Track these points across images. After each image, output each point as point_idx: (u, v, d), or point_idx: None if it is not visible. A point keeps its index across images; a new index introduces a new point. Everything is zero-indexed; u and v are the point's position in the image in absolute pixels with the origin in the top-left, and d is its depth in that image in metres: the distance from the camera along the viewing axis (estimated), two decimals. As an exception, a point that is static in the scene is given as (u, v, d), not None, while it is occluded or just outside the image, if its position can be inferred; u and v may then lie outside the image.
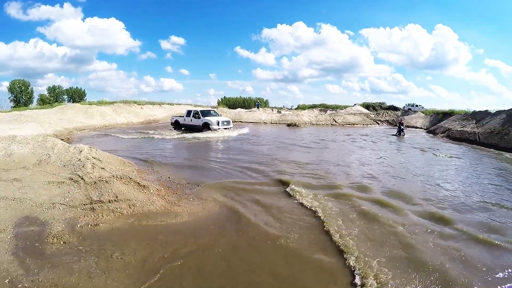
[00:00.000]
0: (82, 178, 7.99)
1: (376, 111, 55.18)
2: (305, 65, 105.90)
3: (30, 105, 56.32)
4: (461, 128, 29.08)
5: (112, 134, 25.05)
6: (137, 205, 7.53)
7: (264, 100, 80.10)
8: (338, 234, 6.76)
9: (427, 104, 54.69)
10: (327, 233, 6.90)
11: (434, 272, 5.38)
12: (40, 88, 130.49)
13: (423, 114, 45.29)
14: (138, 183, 8.44)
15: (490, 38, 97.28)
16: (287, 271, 5.39)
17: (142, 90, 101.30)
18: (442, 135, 30.78)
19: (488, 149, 22.28)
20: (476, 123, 28.79)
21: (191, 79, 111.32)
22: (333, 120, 45.41)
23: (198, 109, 29.89)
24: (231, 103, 75.59)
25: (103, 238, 6.13)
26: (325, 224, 7.30)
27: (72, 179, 8.02)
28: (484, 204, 9.36)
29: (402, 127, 30.21)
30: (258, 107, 59.18)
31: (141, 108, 44.38)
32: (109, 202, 7.37)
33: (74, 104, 40.50)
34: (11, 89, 60.44)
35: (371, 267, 5.44)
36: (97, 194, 7.53)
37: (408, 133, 30.68)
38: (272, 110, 58.70)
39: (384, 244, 6.49)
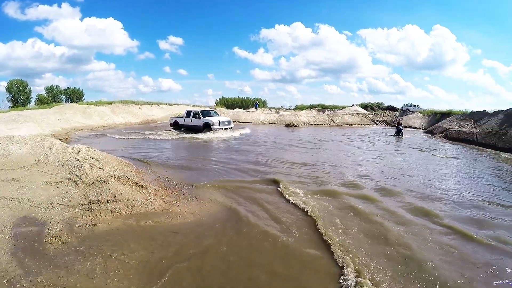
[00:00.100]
0: (80, 178, 7.99)
1: (374, 111, 55.32)
2: (303, 65, 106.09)
3: (28, 105, 56.33)
4: (459, 128, 29.16)
5: (108, 135, 24.92)
6: (135, 205, 7.54)
7: (262, 100, 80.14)
8: (323, 227, 7.14)
9: (425, 105, 54.64)
10: (315, 228, 7.15)
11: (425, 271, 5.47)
12: (38, 88, 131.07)
13: (421, 115, 45.39)
14: (136, 183, 8.45)
15: (487, 38, 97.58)
16: (283, 268, 5.46)
17: (140, 90, 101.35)
18: (440, 135, 30.85)
19: (486, 149, 22.37)
20: (474, 123, 28.87)
21: (189, 79, 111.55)
22: (331, 121, 45.43)
23: (198, 109, 29.72)
24: (229, 103, 75.60)
25: (101, 238, 6.14)
26: (316, 221, 7.47)
27: (70, 179, 8.02)
28: (475, 201, 9.63)
29: (401, 127, 30.11)
30: (256, 108, 59.14)
31: (139, 108, 44.34)
32: (107, 202, 7.38)
33: (72, 104, 40.41)
34: (9, 89, 60.34)
35: (353, 257, 5.85)
36: (95, 194, 7.54)
37: (406, 133, 30.68)
38: (270, 110, 58.64)
39: (365, 235, 6.94)
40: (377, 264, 5.67)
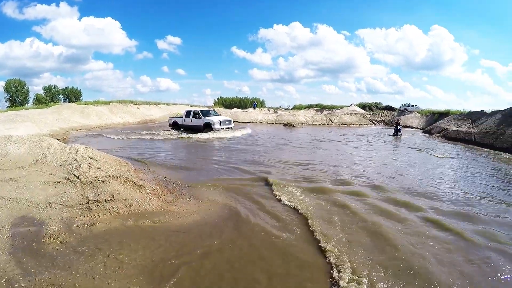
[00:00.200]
0: (78, 178, 7.99)
1: (372, 111, 55.33)
2: (301, 65, 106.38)
3: (26, 105, 56.20)
4: (457, 128, 29.18)
5: (105, 135, 24.79)
6: (133, 204, 7.55)
7: (261, 100, 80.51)
8: (311, 219, 7.58)
9: (423, 105, 54.86)
10: (306, 223, 7.39)
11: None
12: (36, 87, 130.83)
13: (419, 114, 45.40)
14: (135, 182, 8.46)
15: (486, 38, 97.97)
16: (280, 263, 5.48)
17: (139, 90, 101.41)
18: (438, 135, 30.88)
19: (484, 149, 22.38)
20: (471, 123, 28.89)
21: (188, 79, 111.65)
22: (329, 120, 45.45)
23: (198, 109, 29.56)
24: (227, 103, 75.72)
25: (99, 238, 6.15)
26: (307, 219, 7.61)
27: (68, 179, 8.02)
28: (467, 199, 9.85)
29: (399, 127, 30.00)
30: (254, 107, 59.21)
31: (138, 108, 44.33)
32: (106, 201, 7.38)
33: (70, 104, 40.39)
34: (6, 88, 60.43)
35: (339, 248, 6.21)
36: (94, 193, 7.54)
37: (404, 133, 30.58)
38: (269, 110, 58.70)
39: (346, 227, 7.32)
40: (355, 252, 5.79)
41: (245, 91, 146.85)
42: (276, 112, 53.54)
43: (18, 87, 61.58)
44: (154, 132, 27.17)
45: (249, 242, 6.44)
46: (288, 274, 5.35)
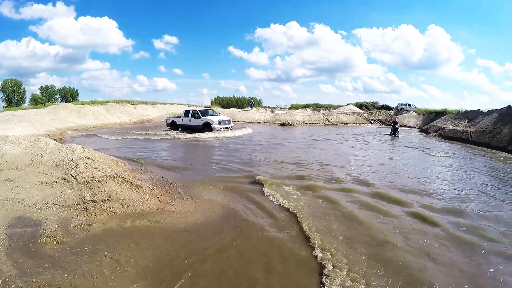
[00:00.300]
0: (75, 178, 7.99)
1: (369, 110, 55.52)
2: (298, 64, 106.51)
3: (22, 105, 56.28)
4: (454, 127, 29.26)
5: (101, 135, 24.58)
6: (130, 204, 7.55)
7: (258, 99, 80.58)
8: (296, 211, 8.06)
9: (420, 104, 55.03)
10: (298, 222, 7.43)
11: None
12: (32, 87, 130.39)
13: (415, 114, 45.51)
14: (131, 182, 8.46)
15: (482, 38, 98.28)
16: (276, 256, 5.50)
17: (135, 90, 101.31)
18: (434, 134, 30.96)
19: (480, 147, 22.48)
20: (468, 122, 28.97)
21: (184, 78, 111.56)
22: (326, 120, 45.50)
23: (197, 108, 29.32)
24: (224, 103, 75.73)
25: (96, 237, 6.15)
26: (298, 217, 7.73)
27: (65, 179, 8.01)
28: (459, 196, 10.03)
29: (397, 126, 29.96)
30: (251, 107, 59.25)
31: (134, 107, 44.24)
32: (102, 201, 7.38)
33: (66, 104, 40.32)
34: (3, 88, 60.26)
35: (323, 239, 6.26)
36: (90, 193, 7.54)
37: (401, 132, 30.57)
38: (266, 109, 58.79)
39: (329, 218, 7.83)
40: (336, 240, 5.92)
41: (242, 91, 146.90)
42: (273, 112, 53.61)
43: (15, 87, 61.42)
44: (151, 132, 27.09)
45: (248, 241, 6.46)
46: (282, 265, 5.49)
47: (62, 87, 71.15)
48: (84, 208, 7.13)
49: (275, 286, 4.98)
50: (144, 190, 8.35)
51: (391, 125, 32.06)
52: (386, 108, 56.03)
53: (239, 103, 78.07)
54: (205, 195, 9.07)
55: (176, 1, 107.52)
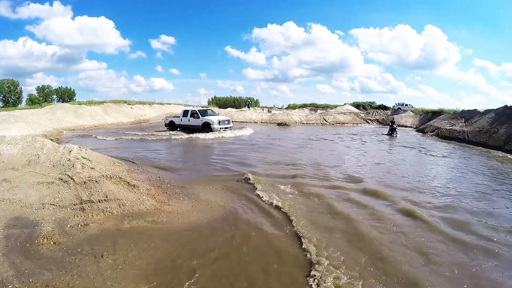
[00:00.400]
0: (71, 178, 7.97)
1: (366, 110, 55.61)
2: (295, 64, 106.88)
3: (19, 105, 55.99)
4: (450, 127, 29.38)
5: (96, 136, 24.31)
6: (127, 204, 7.55)
7: (255, 99, 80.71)
8: (279, 202, 8.61)
9: (417, 104, 55.38)
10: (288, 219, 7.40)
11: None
12: (29, 87, 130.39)
13: (412, 113, 45.67)
14: (128, 182, 8.45)
15: (479, 38, 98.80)
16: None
17: (132, 90, 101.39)
18: (431, 133, 31.09)
19: (477, 147, 22.66)
20: (465, 122, 29.08)
21: (182, 78, 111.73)
22: (323, 120, 45.60)
23: (194, 108, 29.22)
24: (221, 103, 75.82)
25: (93, 238, 6.15)
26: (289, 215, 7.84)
27: (61, 179, 7.99)
28: (451, 193, 10.33)
29: (395, 126, 29.84)
30: (248, 107, 59.26)
31: (131, 108, 44.22)
32: (99, 202, 7.37)
33: (63, 104, 40.26)
34: (-1, 89, 59.98)
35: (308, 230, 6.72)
36: (87, 194, 7.53)
37: (399, 132, 30.57)
38: (263, 109, 58.84)
39: (315, 210, 8.34)
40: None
41: (239, 91, 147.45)
42: (270, 112, 53.67)
43: (11, 87, 61.27)
44: (149, 132, 27.02)
45: (247, 243, 6.45)
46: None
47: (59, 87, 71.16)
48: (81, 209, 7.12)
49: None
50: (141, 190, 8.35)
51: (388, 124, 32.07)
52: (383, 108, 56.11)
53: (236, 103, 78.16)
54: (202, 195, 9.08)
55: (173, 1, 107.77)
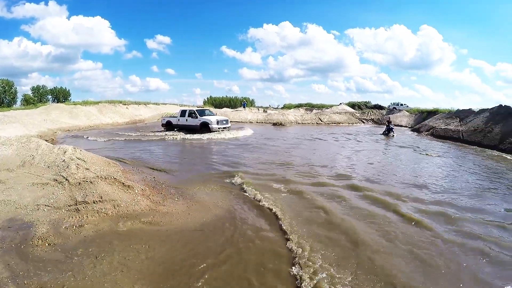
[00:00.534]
0: (66, 179, 7.97)
1: (362, 110, 55.86)
2: (291, 64, 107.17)
3: (14, 105, 55.84)
4: (445, 126, 29.54)
5: (87, 136, 23.95)
6: (121, 205, 7.55)
7: (250, 99, 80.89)
8: (263, 200, 8.89)
9: (412, 103, 55.56)
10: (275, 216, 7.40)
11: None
12: (24, 88, 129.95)
13: (407, 113, 45.87)
14: (123, 183, 8.44)
15: (474, 38, 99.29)
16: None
17: (128, 90, 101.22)
18: (426, 133, 31.24)
19: (472, 146, 22.85)
20: (460, 121, 29.26)
21: (177, 78, 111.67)
22: (319, 119, 45.71)
23: (188, 108, 28.97)
24: (217, 103, 75.90)
25: (88, 239, 6.15)
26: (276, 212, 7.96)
27: (56, 180, 7.99)
28: (442, 189, 10.67)
29: (391, 126, 29.79)
30: (244, 107, 59.33)
31: (127, 108, 44.13)
32: (94, 202, 7.37)
33: (58, 104, 40.15)
34: (-6, 89, 59.74)
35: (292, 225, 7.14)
36: (82, 195, 7.52)
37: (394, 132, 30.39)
38: (258, 109, 58.96)
39: (298, 204, 8.83)
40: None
41: (235, 91, 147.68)
42: (266, 112, 53.74)
43: (6, 88, 61.05)
44: (144, 132, 26.93)
45: (239, 234, 6.52)
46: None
47: (54, 87, 71.04)
48: (76, 210, 7.11)
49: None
50: (136, 191, 8.35)
51: (385, 124, 32.02)
52: (379, 107, 56.41)
53: (232, 103, 78.32)
54: (197, 196, 9.09)
55: (169, 1, 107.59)
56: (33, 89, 66.96)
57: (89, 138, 23.03)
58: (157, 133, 26.33)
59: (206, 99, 79.94)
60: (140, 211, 7.54)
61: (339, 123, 44.58)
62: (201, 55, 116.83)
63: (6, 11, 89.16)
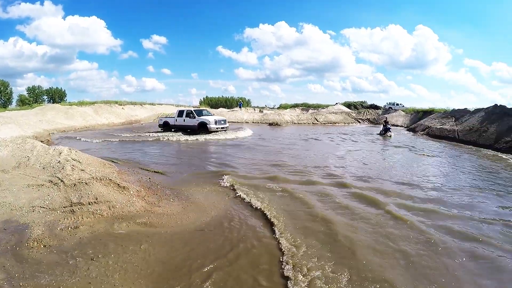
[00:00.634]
0: (61, 181, 7.97)
1: (358, 110, 56.04)
2: (287, 64, 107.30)
3: (9, 106, 55.60)
4: (441, 126, 29.69)
5: (81, 138, 23.49)
6: (117, 206, 7.55)
7: (246, 99, 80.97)
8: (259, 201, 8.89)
9: (408, 103, 56.15)
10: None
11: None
12: (19, 88, 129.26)
13: (403, 113, 46.08)
14: (118, 184, 8.45)
15: (469, 38, 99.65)
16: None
17: (124, 90, 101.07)
18: (422, 132, 31.40)
19: (467, 146, 23.00)
20: (455, 121, 29.40)
21: (173, 78, 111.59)
22: (315, 119, 45.86)
23: (185, 108, 28.93)
24: (213, 103, 75.98)
25: (83, 241, 6.15)
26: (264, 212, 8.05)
27: (51, 181, 8.00)
28: (434, 186, 10.89)
29: (389, 126, 29.66)
30: (240, 107, 59.36)
31: (122, 108, 44.06)
32: (89, 204, 7.37)
33: (54, 104, 40.05)
34: (-11, 90, 59.49)
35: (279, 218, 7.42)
36: (77, 196, 7.53)
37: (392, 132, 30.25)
38: (254, 109, 59.06)
39: (292, 207, 8.70)
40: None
41: (231, 91, 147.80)
42: (262, 112, 53.85)
43: (1, 88, 60.80)
44: (140, 133, 26.91)
45: (236, 233, 6.54)
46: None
47: (50, 88, 70.88)
48: (71, 211, 7.12)
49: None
50: (131, 192, 8.35)
51: (382, 124, 32.04)
52: (375, 107, 56.54)
53: (228, 103, 78.42)
54: (192, 197, 9.10)
55: (164, 0, 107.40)
56: (28, 89, 66.89)
57: (84, 140, 22.83)
58: (153, 134, 26.25)
59: (202, 99, 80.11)
60: (135, 212, 7.55)
61: (335, 123, 44.75)
62: (197, 55, 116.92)
63: (2, 11, 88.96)
